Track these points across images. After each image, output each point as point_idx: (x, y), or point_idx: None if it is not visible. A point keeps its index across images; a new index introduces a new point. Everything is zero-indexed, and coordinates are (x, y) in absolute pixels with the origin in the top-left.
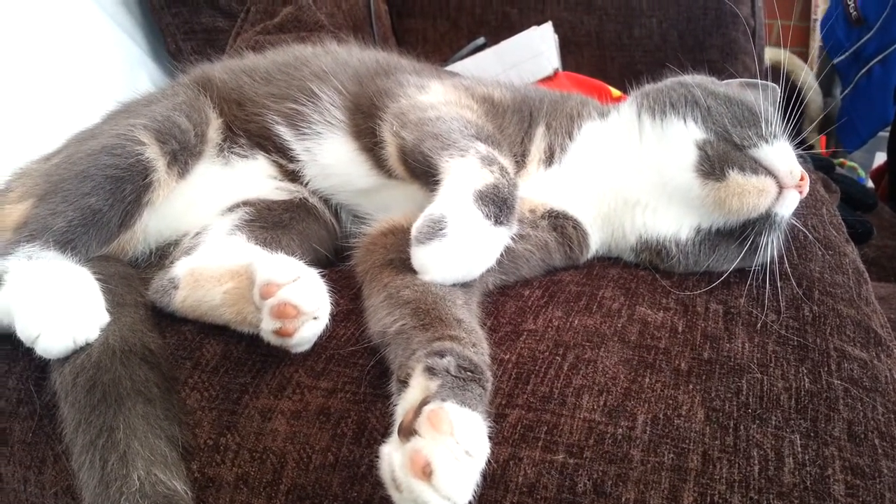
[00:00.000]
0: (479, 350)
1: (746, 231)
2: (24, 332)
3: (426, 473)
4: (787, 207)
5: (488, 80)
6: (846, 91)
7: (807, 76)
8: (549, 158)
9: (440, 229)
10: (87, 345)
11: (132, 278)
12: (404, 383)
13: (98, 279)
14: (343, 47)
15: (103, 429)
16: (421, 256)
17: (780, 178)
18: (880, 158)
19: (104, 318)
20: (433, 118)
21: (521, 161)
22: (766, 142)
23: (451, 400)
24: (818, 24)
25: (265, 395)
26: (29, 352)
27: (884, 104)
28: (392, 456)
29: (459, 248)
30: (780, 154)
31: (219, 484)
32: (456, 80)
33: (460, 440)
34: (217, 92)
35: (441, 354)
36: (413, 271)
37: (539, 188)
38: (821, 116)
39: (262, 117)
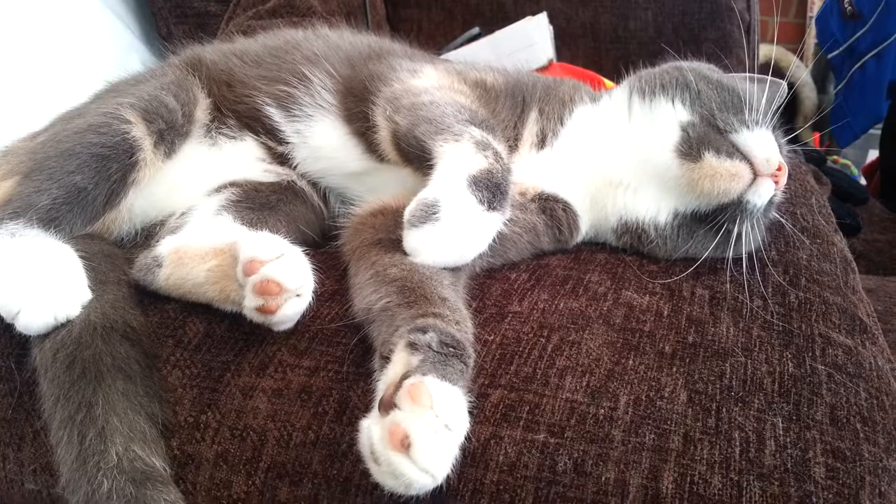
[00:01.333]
0: (463, 328)
1: (719, 217)
2: (5, 308)
3: (405, 446)
4: (759, 196)
5: (481, 65)
6: (840, 86)
7: (801, 74)
8: (542, 142)
9: (433, 213)
10: (69, 321)
11: (116, 256)
12: (386, 359)
13: (81, 257)
14: (335, 31)
15: (82, 404)
16: (413, 240)
17: (755, 165)
18: (873, 156)
19: (86, 294)
20: (427, 102)
21: (513, 145)
22: (747, 127)
23: (432, 374)
24: (813, 21)
25: (247, 373)
26: (9, 328)
27: (877, 100)
28: (371, 429)
29: (452, 233)
30: (758, 141)
31: (198, 461)
32: (448, 65)
33: (440, 413)
34: (207, 73)
35: (423, 330)
36: (402, 251)
37: (530, 171)
38: (816, 114)
39: (252, 99)
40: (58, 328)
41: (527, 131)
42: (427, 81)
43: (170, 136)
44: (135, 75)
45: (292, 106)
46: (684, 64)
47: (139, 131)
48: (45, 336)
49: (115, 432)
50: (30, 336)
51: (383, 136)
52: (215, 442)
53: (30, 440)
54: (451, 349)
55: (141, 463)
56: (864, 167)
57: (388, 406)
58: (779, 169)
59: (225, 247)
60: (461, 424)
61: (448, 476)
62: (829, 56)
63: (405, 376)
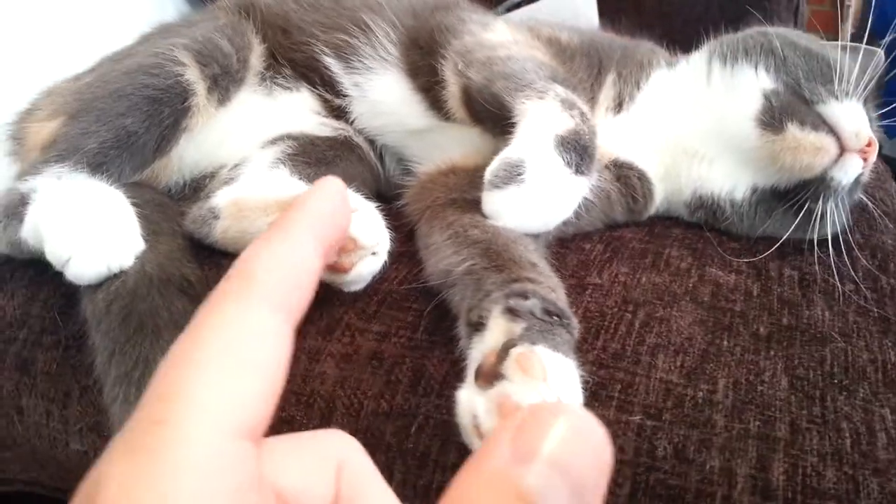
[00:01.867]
0: (559, 296)
1: (801, 195)
2: (54, 255)
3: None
4: (846, 173)
5: (552, 22)
6: (893, 73)
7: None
8: (618, 106)
9: (518, 174)
10: (121, 272)
11: (168, 206)
12: (476, 326)
13: (133, 204)
14: None
15: (139, 360)
16: (495, 202)
17: (842, 139)
18: None
19: (140, 244)
20: (504, 57)
21: (589, 107)
22: (836, 98)
23: (542, 344)
24: (850, 10)
25: (312, 335)
26: (54, 278)
27: None
28: (474, 401)
29: (538, 196)
30: (847, 113)
31: None
32: (518, 22)
33: (554, 386)
34: (261, 17)
35: (524, 296)
36: (480, 212)
37: (605, 136)
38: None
39: (310, 47)
40: (110, 279)
41: (603, 94)
42: (501, 35)
43: (224, 81)
44: (185, 18)
45: (352, 57)
46: (770, 29)
47: (193, 74)
48: (97, 286)
49: None
50: (77, 286)
51: (452, 91)
52: (280, 408)
53: (76, 397)
54: (555, 317)
55: None
56: None
57: (490, 376)
58: (869, 144)
59: (290, 199)
60: (576, 399)
61: None
62: (882, 41)
63: (509, 345)
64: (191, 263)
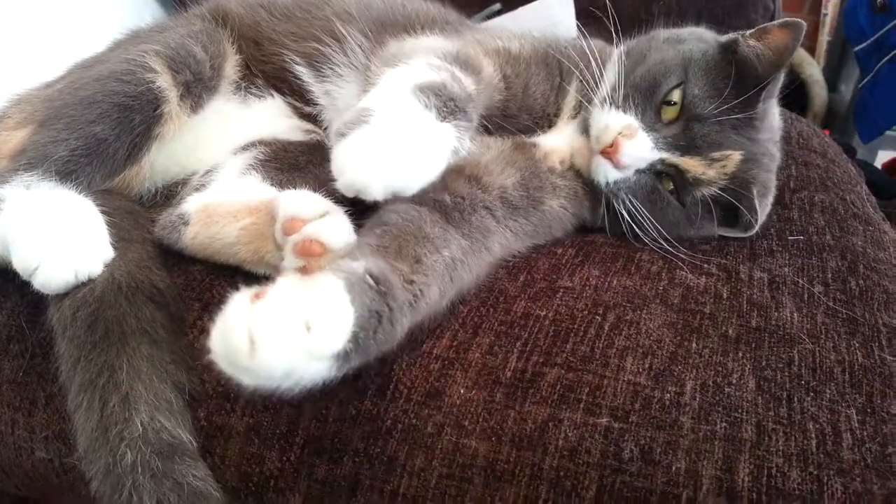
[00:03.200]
0: (412, 289)
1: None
2: (22, 263)
3: (258, 296)
4: (597, 174)
5: (506, 34)
6: (866, 80)
7: (813, 71)
8: (578, 111)
9: (365, 118)
10: (89, 280)
11: (138, 214)
12: None
13: (102, 212)
14: None
15: (104, 368)
16: (340, 152)
17: (591, 143)
18: (883, 156)
19: (108, 252)
20: (406, 50)
21: (554, 114)
22: (597, 106)
23: (343, 282)
24: (827, 18)
25: None
26: (22, 287)
27: None
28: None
29: (388, 138)
30: (597, 118)
31: (227, 433)
32: (469, 36)
33: (309, 302)
34: (235, 27)
35: (356, 259)
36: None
37: (567, 138)
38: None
39: (280, 57)
40: (77, 287)
41: (566, 101)
42: (427, 40)
43: (197, 88)
44: (158, 23)
45: (323, 65)
46: (654, 32)
47: (165, 81)
48: (63, 294)
49: (139, 400)
50: (45, 294)
51: None
52: (246, 414)
53: (42, 405)
54: (375, 284)
55: (167, 434)
56: (884, 164)
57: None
58: (611, 146)
59: (260, 204)
60: (326, 337)
61: None
62: (856, 49)
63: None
64: (160, 271)
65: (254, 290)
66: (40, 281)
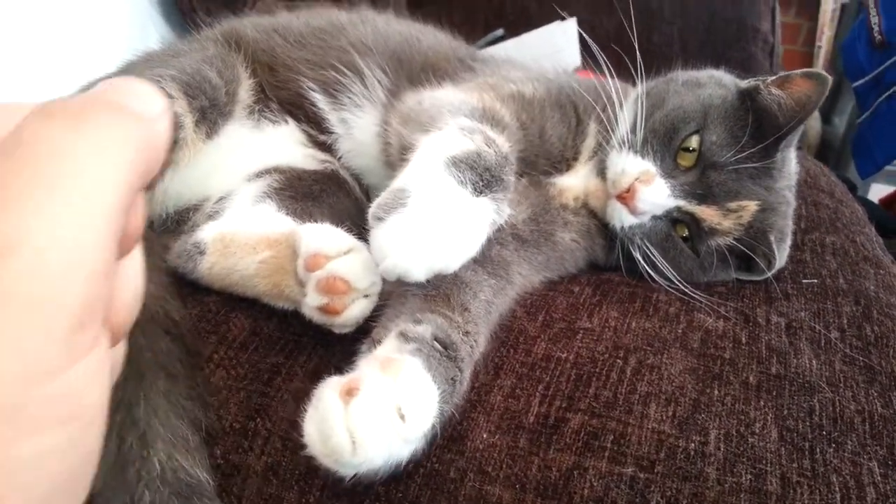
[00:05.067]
0: (469, 340)
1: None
2: None
3: (350, 394)
4: (613, 217)
5: (518, 75)
6: (865, 116)
7: None
8: (596, 152)
9: (402, 201)
10: None
11: (152, 240)
12: (376, 343)
13: None
14: (380, 17)
15: (122, 403)
16: (379, 237)
17: (607, 186)
18: (877, 189)
19: None
20: (426, 107)
21: (572, 160)
22: (615, 148)
23: (419, 359)
24: (821, 51)
25: (300, 377)
26: None
27: None
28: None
29: (425, 221)
30: (614, 161)
31: (245, 473)
32: (482, 79)
33: (400, 392)
34: (249, 51)
35: (419, 322)
36: None
37: (583, 179)
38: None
39: (297, 83)
40: None
41: (585, 145)
42: (444, 92)
43: (212, 114)
44: (172, 46)
45: (340, 93)
46: (675, 74)
47: (180, 107)
48: None
49: (157, 438)
50: None
51: (394, 146)
52: (265, 453)
53: None
54: (442, 348)
55: (185, 474)
56: (881, 199)
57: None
58: (627, 191)
59: (280, 237)
60: (418, 421)
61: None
62: (854, 85)
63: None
64: (175, 301)
65: (339, 382)
66: None
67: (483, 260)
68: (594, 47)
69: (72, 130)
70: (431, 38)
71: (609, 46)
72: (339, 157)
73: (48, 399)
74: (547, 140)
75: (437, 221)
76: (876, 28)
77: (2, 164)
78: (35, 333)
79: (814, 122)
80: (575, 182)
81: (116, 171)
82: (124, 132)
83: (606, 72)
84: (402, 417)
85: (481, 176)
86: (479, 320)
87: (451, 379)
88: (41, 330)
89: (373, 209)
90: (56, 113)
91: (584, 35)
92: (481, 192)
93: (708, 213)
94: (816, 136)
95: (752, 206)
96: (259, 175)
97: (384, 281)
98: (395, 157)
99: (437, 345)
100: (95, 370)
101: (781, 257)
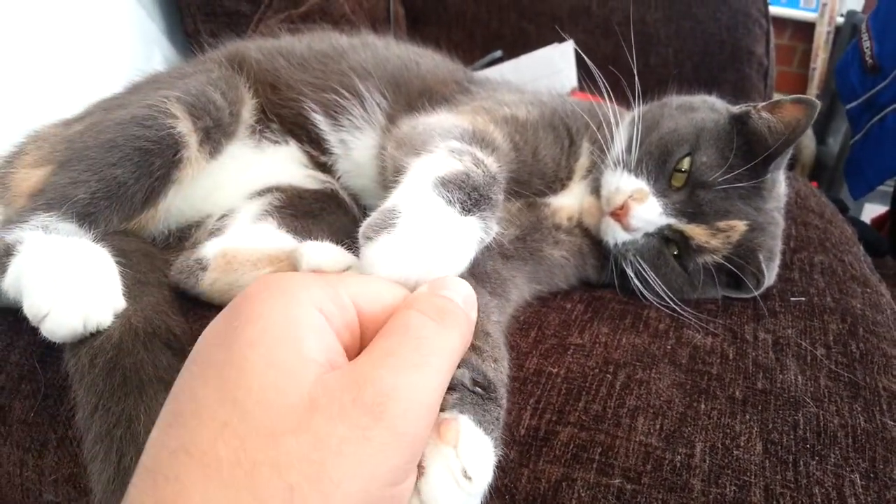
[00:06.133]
0: (499, 368)
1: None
2: (32, 310)
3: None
4: (606, 234)
5: (514, 99)
6: (857, 138)
7: None
8: (590, 171)
9: (392, 221)
10: (98, 331)
11: (154, 256)
12: None
13: (119, 254)
14: (381, 41)
15: (122, 418)
16: (368, 255)
17: (601, 203)
18: (869, 209)
19: (120, 303)
20: (420, 131)
21: (566, 179)
22: (609, 167)
23: (469, 415)
24: (815, 72)
25: None
26: (34, 327)
27: (894, 153)
28: None
29: (414, 239)
30: (608, 179)
31: None
32: (477, 102)
33: (462, 456)
34: (252, 72)
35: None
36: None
37: (577, 197)
38: (813, 164)
39: (298, 103)
40: (89, 337)
41: (579, 164)
42: (437, 117)
43: (216, 134)
44: (177, 68)
45: (340, 115)
46: (670, 99)
47: (185, 127)
48: (80, 342)
49: None
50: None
51: (389, 170)
52: None
53: (53, 447)
54: (481, 389)
55: None
56: (872, 220)
57: None
58: (620, 208)
59: (281, 254)
60: (482, 476)
61: None
62: (847, 107)
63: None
64: (177, 316)
65: None
66: (48, 328)
67: (483, 279)
68: (593, 69)
69: (438, 329)
70: (430, 61)
71: (605, 69)
72: (339, 178)
73: (392, 497)
74: (540, 160)
75: (425, 240)
76: (868, 52)
77: (381, 342)
78: (401, 458)
79: (808, 143)
80: (569, 201)
81: (455, 357)
82: (465, 337)
83: (604, 93)
84: (469, 479)
85: (469, 195)
86: (499, 339)
87: (496, 419)
88: (406, 457)
89: (363, 229)
90: (428, 311)
91: (584, 56)
92: (469, 211)
93: (697, 232)
94: (811, 157)
95: (741, 225)
96: (261, 193)
97: None
98: (389, 179)
99: (478, 389)
100: (411, 486)
101: (770, 276)
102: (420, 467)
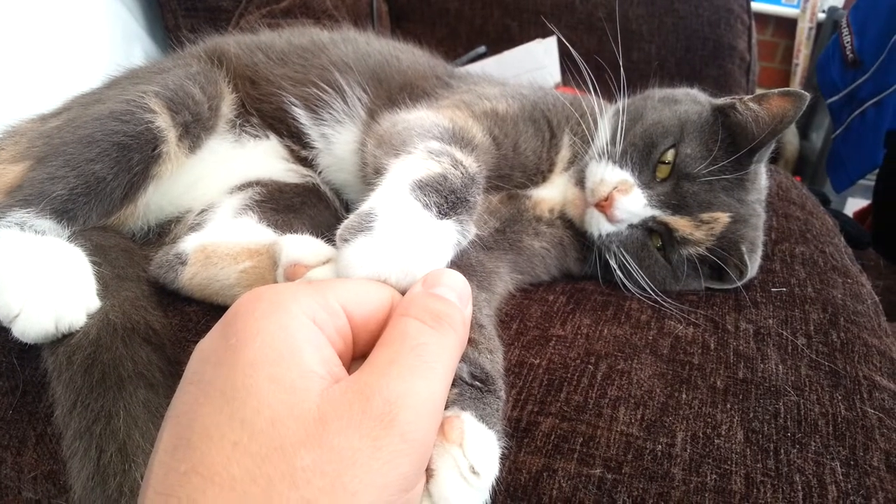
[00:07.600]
0: (495, 359)
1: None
2: (3, 309)
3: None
4: (590, 224)
5: (495, 93)
6: (838, 132)
7: None
8: (571, 163)
9: (368, 224)
10: (70, 333)
11: (133, 251)
12: None
13: (97, 249)
14: (361, 35)
15: (101, 414)
16: (345, 256)
17: (585, 194)
18: (852, 203)
19: (94, 303)
20: (399, 130)
21: (547, 170)
22: (594, 159)
23: (471, 411)
24: (798, 68)
25: None
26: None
27: (874, 147)
28: None
29: (390, 242)
30: (593, 170)
31: None
32: (457, 96)
33: (468, 453)
34: (232, 67)
35: None
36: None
37: (559, 189)
38: (797, 159)
39: (279, 97)
40: (61, 338)
41: (560, 156)
42: (417, 113)
43: (195, 129)
44: (156, 63)
45: (321, 109)
46: (652, 91)
47: (163, 122)
48: (58, 340)
49: (137, 450)
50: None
51: (369, 169)
52: None
53: (32, 444)
54: (479, 383)
55: None
56: (854, 213)
57: None
58: (605, 199)
59: (261, 248)
60: (489, 471)
61: None
62: (829, 101)
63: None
64: (156, 311)
65: None
66: (19, 329)
67: (470, 272)
68: (580, 61)
69: (435, 335)
70: (410, 56)
71: (589, 64)
72: (320, 172)
73: (405, 502)
74: (521, 153)
75: (401, 243)
76: (849, 47)
77: (381, 351)
78: (412, 464)
79: (791, 138)
80: (551, 193)
81: (455, 358)
82: (462, 336)
83: (589, 87)
84: (477, 474)
85: (446, 198)
86: (493, 331)
87: (497, 411)
88: (417, 462)
89: (340, 231)
90: (424, 317)
91: (572, 49)
92: (446, 215)
93: (681, 224)
94: (794, 152)
95: (724, 217)
96: (241, 188)
97: None
98: (370, 177)
99: (476, 383)
100: (421, 489)
101: (753, 267)
102: (428, 469)
